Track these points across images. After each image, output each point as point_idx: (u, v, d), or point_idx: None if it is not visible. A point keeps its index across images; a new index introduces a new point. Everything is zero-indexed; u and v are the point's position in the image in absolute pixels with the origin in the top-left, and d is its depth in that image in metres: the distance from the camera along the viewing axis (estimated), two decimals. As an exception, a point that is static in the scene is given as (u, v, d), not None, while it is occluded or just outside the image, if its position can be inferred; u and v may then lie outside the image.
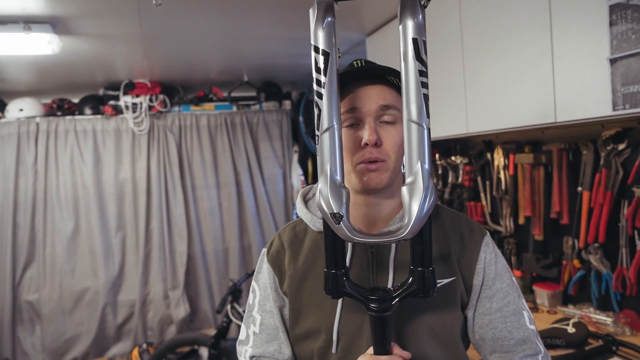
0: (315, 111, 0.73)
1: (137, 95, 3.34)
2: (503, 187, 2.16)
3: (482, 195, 2.33)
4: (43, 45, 2.07)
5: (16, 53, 2.27)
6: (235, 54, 2.88)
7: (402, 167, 0.83)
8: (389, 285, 0.83)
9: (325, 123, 0.72)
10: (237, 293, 2.70)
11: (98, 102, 3.37)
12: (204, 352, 3.01)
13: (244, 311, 2.65)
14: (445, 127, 2.08)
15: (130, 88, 3.32)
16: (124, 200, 3.41)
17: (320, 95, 0.72)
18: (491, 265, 0.86)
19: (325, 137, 0.72)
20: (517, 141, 2.09)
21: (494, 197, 2.26)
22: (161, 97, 3.40)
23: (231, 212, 3.62)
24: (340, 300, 0.85)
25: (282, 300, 0.91)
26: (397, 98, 0.81)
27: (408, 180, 0.70)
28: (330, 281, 0.76)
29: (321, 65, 0.71)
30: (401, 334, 0.83)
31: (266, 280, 0.92)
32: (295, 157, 3.83)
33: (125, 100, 3.32)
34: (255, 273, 0.96)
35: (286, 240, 0.93)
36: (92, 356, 3.28)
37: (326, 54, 0.71)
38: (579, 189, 1.79)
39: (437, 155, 2.58)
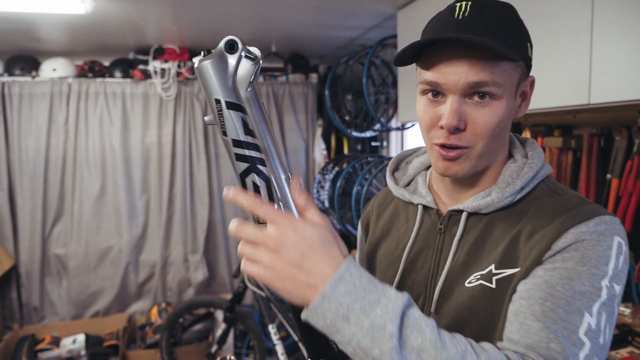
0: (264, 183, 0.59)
1: (166, 61, 3.36)
2: (528, 170, 2.11)
3: (506, 178, 2.28)
4: (76, 3, 2.10)
5: (50, 11, 2.31)
6: (265, 22, 2.85)
7: (499, 147, 0.73)
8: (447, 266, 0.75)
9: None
10: (254, 260, 2.75)
11: (128, 65, 3.42)
12: (220, 315, 3.11)
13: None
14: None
15: (160, 53, 3.34)
16: (149, 163, 3.48)
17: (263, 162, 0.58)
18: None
19: None
20: (547, 124, 2.03)
21: (518, 181, 2.21)
22: (189, 63, 3.42)
23: (252, 182, 3.66)
24: (400, 269, 0.81)
25: (363, 260, 0.95)
26: (496, 68, 0.65)
27: None
28: None
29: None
30: None
31: (360, 236, 0.98)
32: (319, 131, 3.82)
33: (155, 65, 3.35)
34: None
35: (377, 201, 0.95)
36: (114, 311, 3.43)
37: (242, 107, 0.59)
38: (608, 176, 1.73)
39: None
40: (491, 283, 0.69)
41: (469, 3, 0.67)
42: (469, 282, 0.71)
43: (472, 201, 0.75)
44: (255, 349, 2.85)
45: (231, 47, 0.56)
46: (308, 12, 2.64)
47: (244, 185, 0.59)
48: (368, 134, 3.63)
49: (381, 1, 2.48)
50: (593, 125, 1.80)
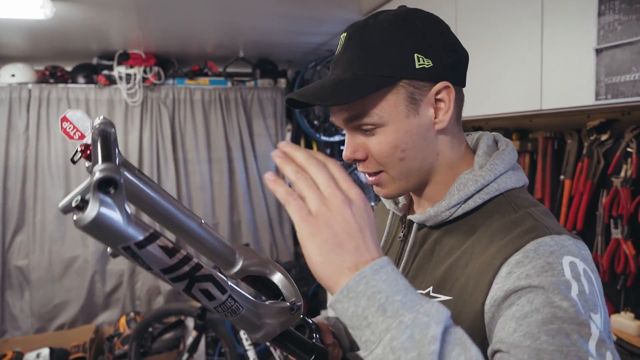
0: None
1: (131, 66, 3.31)
2: (489, 173, 2.20)
3: (468, 180, 2.37)
4: (36, 9, 2.05)
5: (8, 16, 2.24)
6: (232, 28, 2.85)
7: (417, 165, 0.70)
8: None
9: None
10: (224, 266, 2.74)
11: (91, 71, 3.35)
12: (190, 322, 3.08)
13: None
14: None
15: (125, 58, 3.29)
16: (116, 171, 3.41)
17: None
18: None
19: None
20: (505, 128, 2.12)
21: (480, 183, 2.30)
22: (155, 69, 3.38)
23: (222, 188, 3.64)
24: None
25: None
26: (364, 101, 0.65)
27: None
28: None
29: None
30: None
31: None
32: (289, 135, 3.84)
33: (119, 70, 3.30)
34: None
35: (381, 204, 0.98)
36: (80, 322, 3.33)
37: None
38: (562, 177, 1.83)
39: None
40: None
41: (344, 35, 0.68)
42: None
43: (422, 213, 0.75)
44: (227, 355, 2.84)
45: (108, 184, 0.44)
46: (275, 19, 2.66)
47: (192, 297, 0.54)
48: (337, 138, 3.68)
49: (346, 8, 2.53)
50: (547, 129, 1.90)
